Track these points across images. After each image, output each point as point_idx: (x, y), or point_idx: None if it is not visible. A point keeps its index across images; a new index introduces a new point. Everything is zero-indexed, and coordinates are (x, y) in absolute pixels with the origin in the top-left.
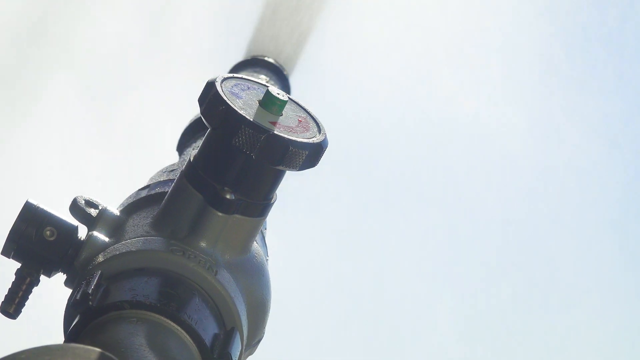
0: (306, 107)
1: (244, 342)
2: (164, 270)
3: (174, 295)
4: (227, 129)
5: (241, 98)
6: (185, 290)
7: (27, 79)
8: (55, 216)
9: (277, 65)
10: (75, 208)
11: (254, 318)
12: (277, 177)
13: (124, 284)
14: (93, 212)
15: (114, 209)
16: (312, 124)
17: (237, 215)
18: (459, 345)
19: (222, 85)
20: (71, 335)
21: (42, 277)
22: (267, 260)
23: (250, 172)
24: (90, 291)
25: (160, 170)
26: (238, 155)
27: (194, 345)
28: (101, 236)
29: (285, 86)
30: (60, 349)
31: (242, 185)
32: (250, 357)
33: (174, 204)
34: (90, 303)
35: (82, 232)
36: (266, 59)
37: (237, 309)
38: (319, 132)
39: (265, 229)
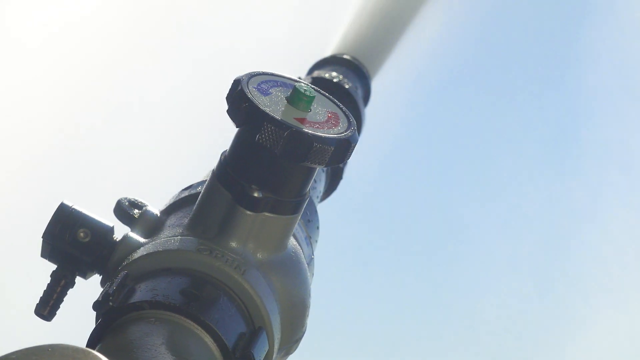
0: (338, 102)
1: (276, 342)
2: (191, 270)
3: (196, 295)
4: (251, 126)
5: (269, 95)
6: (210, 290)
7: None
8: (90, 217)
9: (356, 62)
10: (119, 209)
11: (289, 317)
12: (306, 174)
13: (147, 284)
14: (136, 212)
15: (155, 209)
16: (342, 118)
17: (267, 214)
18: None
19: (249, 82)
20: (93, 335)
21: (79, 279)
22: (312, 259)
23: (277, 169)
24: (112, 292)
25: (210, 170)
26: (263, 152)
27: (215, 345)
28: (136, 237)
29: (364, 84)
30: (50, 348)
31: (270, 182)
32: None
33: (205, 203)
34: (111, 304)
35: (121, 233)
36: (344, 56)
37: (265, 308)
38: (349, 128)
39: (318, 228)
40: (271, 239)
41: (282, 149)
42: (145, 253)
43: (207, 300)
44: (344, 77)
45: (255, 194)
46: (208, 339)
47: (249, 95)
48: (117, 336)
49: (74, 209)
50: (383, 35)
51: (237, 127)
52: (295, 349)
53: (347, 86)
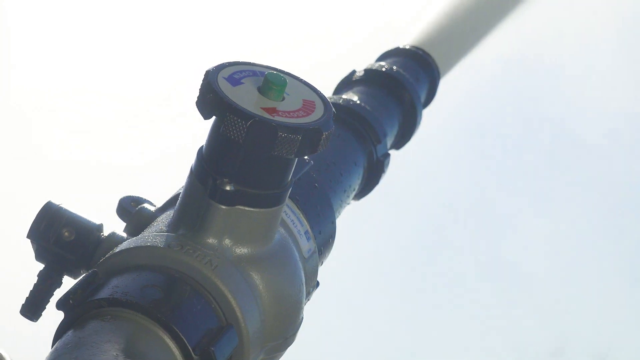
0: (316, 87)
1: (256, 338)
2: (162, 267)
3: (157, 292)
4: (216, 117)
5: (240, 85)
6: (177, 287)
7: None
8: (75, 215)
9: (419, 52)
10: (120, 208)
11: (274, 313)
12: (280, 165)
13: (113, 281)
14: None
15: (153, 207)
16: (319, 105)
17: (242, 207)
18: None
19: (220, 73)
20: (57, 333)
21: (67, 279)
22: (312, 253)
23: (245, 161)
24: (73, 290)
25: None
26: (230, 144)
27: (173, 342)
28: (122, 234)
29: (429, 76)
30: None
31: (241, 175)
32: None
33: (184, 199)
34: (71, 302)
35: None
36: (406, 47)
37: (237, 304)
38: (324, 115)
39: (333, 222)
40: (250, 232)
41: (246, 140)
42: (118, 250)
43: (170, 297)
44: (400, 67)
45: (228, 188)
46: (167, 337)
47: (214, 87)
48: (73, 334)
49: (58, 207)
50: (461, 32)
51: (204, 119)
52: (288, 345)
53: (399, 75)
